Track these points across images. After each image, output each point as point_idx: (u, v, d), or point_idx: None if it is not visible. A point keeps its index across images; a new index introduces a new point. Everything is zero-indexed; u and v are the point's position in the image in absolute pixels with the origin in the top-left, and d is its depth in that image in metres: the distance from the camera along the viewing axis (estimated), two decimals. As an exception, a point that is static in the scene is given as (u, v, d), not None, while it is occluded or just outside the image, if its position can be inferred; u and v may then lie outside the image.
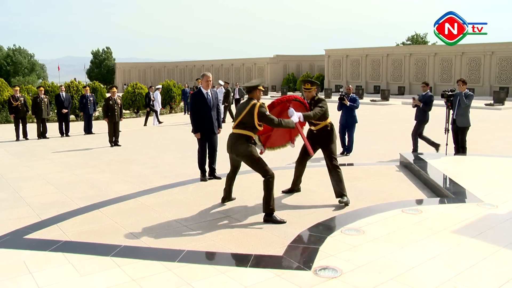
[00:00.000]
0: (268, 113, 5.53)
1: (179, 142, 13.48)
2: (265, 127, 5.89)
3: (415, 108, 10.57)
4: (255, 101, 5.62)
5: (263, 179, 5.53)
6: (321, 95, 11.76)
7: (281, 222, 5.42)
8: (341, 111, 10.64)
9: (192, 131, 7.83)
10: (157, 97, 19.70)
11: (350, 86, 11.11)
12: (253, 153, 5.59)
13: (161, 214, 5.88)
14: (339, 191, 6.13)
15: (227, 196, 6.33)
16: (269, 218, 5.47)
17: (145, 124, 19.16)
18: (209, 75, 7.49)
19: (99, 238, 5.03)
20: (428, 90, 10.40)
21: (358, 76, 42.42)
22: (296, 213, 5.84)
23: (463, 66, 35.41)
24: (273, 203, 5.53)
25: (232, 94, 20.01)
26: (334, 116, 11.04)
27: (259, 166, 5.58)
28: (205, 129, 7.65)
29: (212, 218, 5.71)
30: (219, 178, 7.76)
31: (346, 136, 10.50)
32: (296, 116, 5.78)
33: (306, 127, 6.46)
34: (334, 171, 6.15)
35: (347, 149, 10.55)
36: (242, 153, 5.63)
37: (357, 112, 10.86)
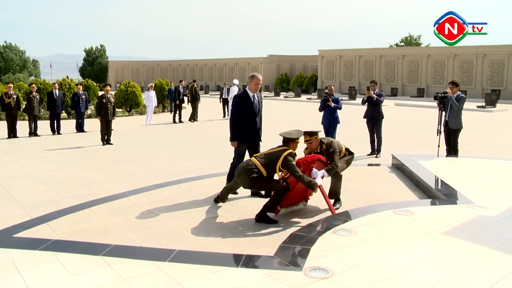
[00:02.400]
0: (293, 163, 5.39)
1: (171, 141, 13.44)
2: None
3: (366, 105, 10.83)
4: (288, 148, 5.54)
5: None
6: (314, 95, 11.86)
7: (273, 222, 5.42)
8: (323, 112, 10.50)
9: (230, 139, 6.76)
10: (150, 96, 19.50)
11: (333, 86, 11.09)
12: (256, 180, 5.48)
13: (153, 213, 5.86)
14: (336, 193, 6.17)
15: (222, 198, 6.20)
16: (261, 218, 5.47)
17: (180, 120, 19.19)
18: (259, 78, 6.52)
19: (90, 237, 5.00)
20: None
21: (351, 77, 42.52)
22: (288, 213, 5.84)
23: (456, 68, 35.60)
24: (275, 208, 5.57)
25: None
26: (317, 117, 11.08)
27: (270, 187, 5.57)
28: (248, 138, 6.64)
29: (204, 217, 5.70)
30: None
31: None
32: (319, 177, 5.66)
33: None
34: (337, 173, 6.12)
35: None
36: (247, 186, 5.60)
37: (350, 112, 10.88)
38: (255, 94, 6.64)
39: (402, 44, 59.45)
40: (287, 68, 51.89)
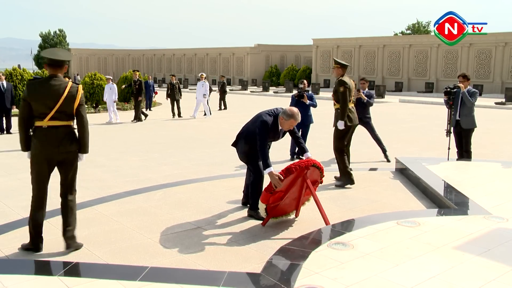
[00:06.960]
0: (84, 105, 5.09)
1: (143, 142, 13.39)
2: (275, 198, 5.61)
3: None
4: (71, 82, 5.15)
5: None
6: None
7: (261, 219, 5.44)
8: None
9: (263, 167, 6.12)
10: (109, 89, 19.07)
11: (305, 81, 11.11)
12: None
13: (122, 225, 5.82)
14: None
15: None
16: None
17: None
18: (298, 119, 6.41)
19: (46, 254, 4.92)
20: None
21: (350, 70, 42.77)
22: (276, 224, 5.85)
23: (471, 59, 35.85)
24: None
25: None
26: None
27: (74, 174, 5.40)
28: None
29: (181, 229, 5.68)
30: (262, 220, 6.13)
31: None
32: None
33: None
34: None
35: (298, 152, 10.37)
36: (71, 156, 5.17)
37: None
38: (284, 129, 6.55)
39: (408, 32, 60.00)
40: (277, 59, 52.08)
